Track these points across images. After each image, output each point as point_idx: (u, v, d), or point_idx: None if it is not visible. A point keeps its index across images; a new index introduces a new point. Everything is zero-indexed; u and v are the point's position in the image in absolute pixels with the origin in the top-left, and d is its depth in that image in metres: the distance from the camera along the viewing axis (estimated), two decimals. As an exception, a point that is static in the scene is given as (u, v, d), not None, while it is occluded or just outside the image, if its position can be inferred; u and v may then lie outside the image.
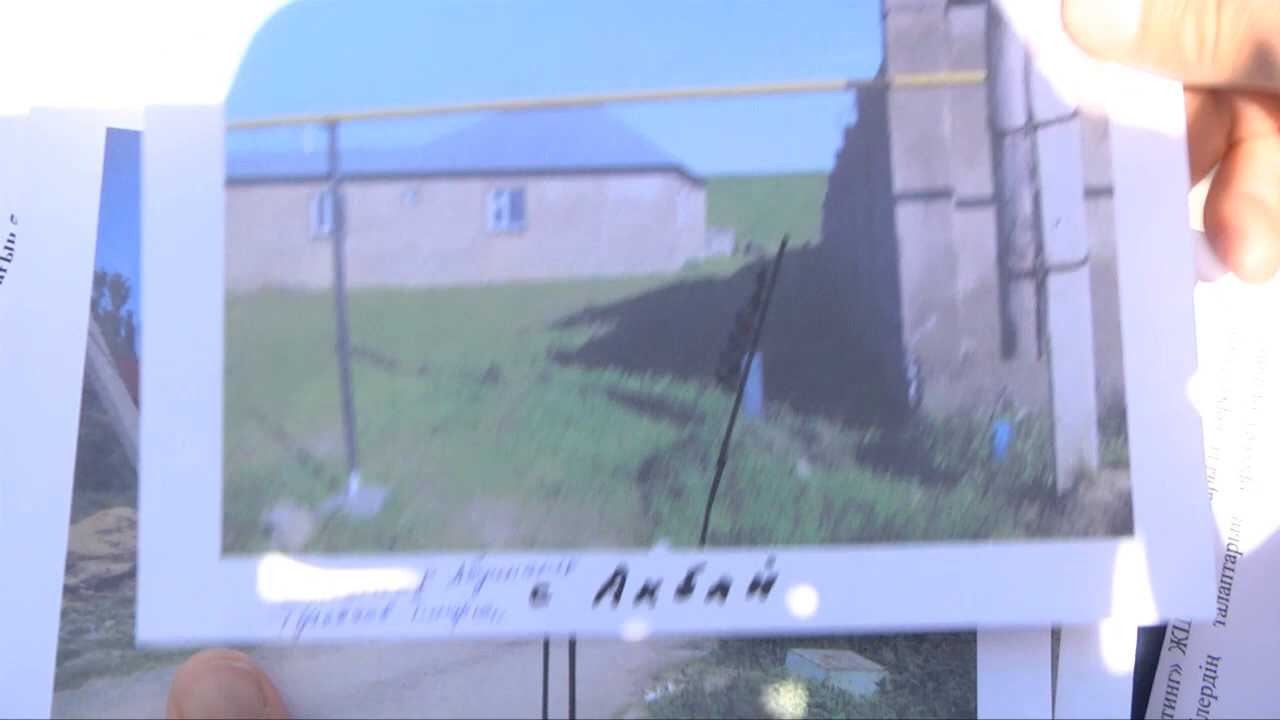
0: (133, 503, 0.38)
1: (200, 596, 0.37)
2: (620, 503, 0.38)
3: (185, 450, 0.38)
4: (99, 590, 0.38)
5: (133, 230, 0.39)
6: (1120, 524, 0.37)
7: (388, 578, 0.38)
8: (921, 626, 0.37)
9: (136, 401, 0.39)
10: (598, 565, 0.38)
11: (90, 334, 0.39)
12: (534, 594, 0.38)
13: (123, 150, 0.39)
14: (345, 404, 0.39)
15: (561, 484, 0.39)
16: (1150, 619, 0.37)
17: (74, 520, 0.38)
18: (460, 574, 0.38)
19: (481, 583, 0.38)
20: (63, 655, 0.38)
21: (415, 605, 0.38)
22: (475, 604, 0.38)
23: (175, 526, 0.38)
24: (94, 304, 0.39)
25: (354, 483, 0.39)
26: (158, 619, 0.37)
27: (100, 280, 0.39)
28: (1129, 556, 0.37)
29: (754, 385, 0.39)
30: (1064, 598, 0.37)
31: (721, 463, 0.38)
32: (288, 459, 0.39)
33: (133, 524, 0.38)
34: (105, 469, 0.38)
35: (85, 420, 0.39)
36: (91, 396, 0.39)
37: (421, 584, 0.38)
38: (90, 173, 0.39)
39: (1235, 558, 0.40)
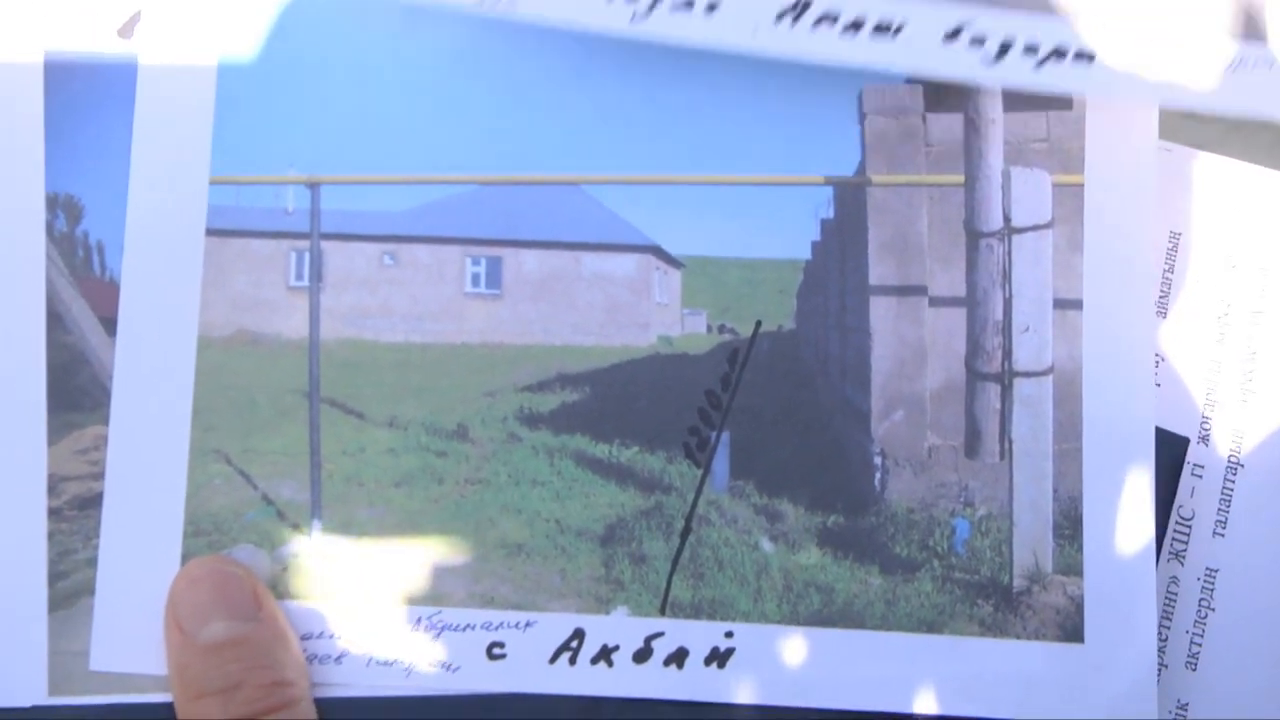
0: (106, 420, 0.38)
1: (156, 630, 0.37)
2: (582, 565, 0.39)
3: (150, 485, 0.38)
4: (82, 510, 0.38)
5: (80, 150, 0.39)
6: (1070, 630, 0.38)
7: (343, 624, 0.38)
8: (873, 711, 0.38)
9: (100, 320, 0.38)
10: (556, 625, 0.38)
11: (48, 257, 0.38)
12: (490, 650, 0.38)
13: (62, 73, 0.39)
14: (312, 451, 0.39)
15: (524, 544, 0.39)
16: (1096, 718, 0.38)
17: (51, 443, 0.38)
18: (417, 625, 0.38)
19: (438, 636, 0.38)
20: (54, 577, 0.38)
21: (369, 654, 0.38)
22: (430, 656, 0.38)
23: (135, 559, 0.38)
24: (49, 226, 0.38)
25: (316, 528, 0.39)
26: (112, 650, 0.38)
27: (53, 202, 0.38)
28: (1077, 661, 0.38)
29: (721, 462, 0.39)
30: (1014, 694, 0.38)
31: (686, 533, 0.39)
32: (252, 501, 0.39)
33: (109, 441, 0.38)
34: (76, 389, 0.38)
35: (51, 343, 0.38)
36: (56, 319, 0.38)
37: (377, 633, 0.38)
38: (32, 99, 0.38)
39: (1237, 469, 0.41)
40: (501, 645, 0.38)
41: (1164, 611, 0.39)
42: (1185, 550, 0.40)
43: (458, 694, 0.38)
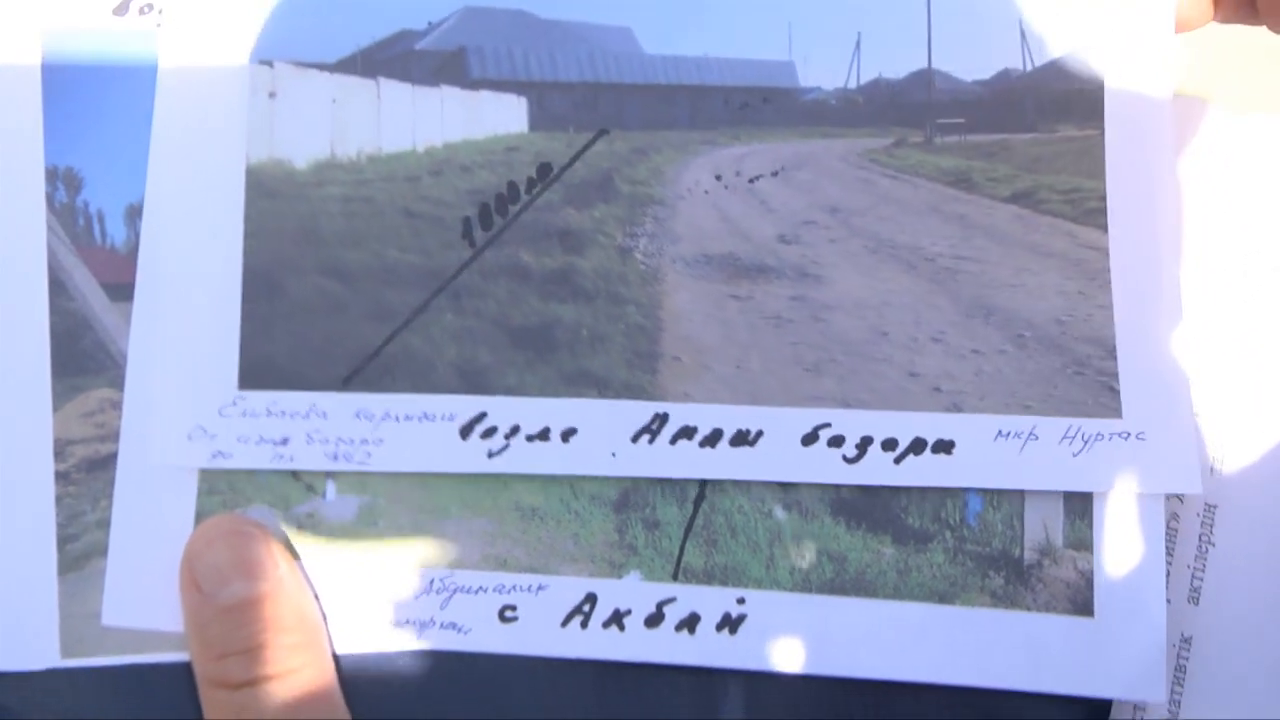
0: (112, 383, 0.38)
1: (168, 587, 0.37)
2: (595, 530, 0.39)
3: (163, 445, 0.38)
4: (90, 472, 0.38)
5: (78, 124, 0.39)
6: (1080, 603, 0.39)
7: (357, 584, 0.38)
8: (884, 679, 0.38)
9: (103, 286, 0.39)
10: (568, 589, 0.39)
11: (49, 227, 0.39)
12: (502, 613, 0.38)
13: (59, 47, 0.39)
14: (327, 412, 0.39)
15: (538, 508, 0.39)
16: (1104, 694, 0.38)
17: (56, 407, 0.38)
18: (430, 587, 0.38)
19: (450, 597, 0.38)
20: (63, 540, 0.38)
21: (382, 614, 0.38)
22: (442, 618, 0.38)
23: (148, 517, 0.38)
24: (49, 198, 0.39)
25: (330, 489, 0.39)
26: (123, 606, 0.38)
27: (52, 175, 0.39)
28: (1087, 635, 0.38)
29: (736, 430, 0.39)
30: (1023, 666, 0.38)
31: (699, 500, 0.39)
32: (265, 461, 0.39)
33: (115, 404, 0.38)
34: (81, 354, 0.39)
35: (55, 309, 0.39)
36: (58, 286, 0.39)
37: (390, 594, 0.38)
38: (29, 73, 0.39)
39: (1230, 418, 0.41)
40: (514, 608, 0.38)
41: (1165, 547, 0.39)
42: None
43: (469, 654, 0.38)
